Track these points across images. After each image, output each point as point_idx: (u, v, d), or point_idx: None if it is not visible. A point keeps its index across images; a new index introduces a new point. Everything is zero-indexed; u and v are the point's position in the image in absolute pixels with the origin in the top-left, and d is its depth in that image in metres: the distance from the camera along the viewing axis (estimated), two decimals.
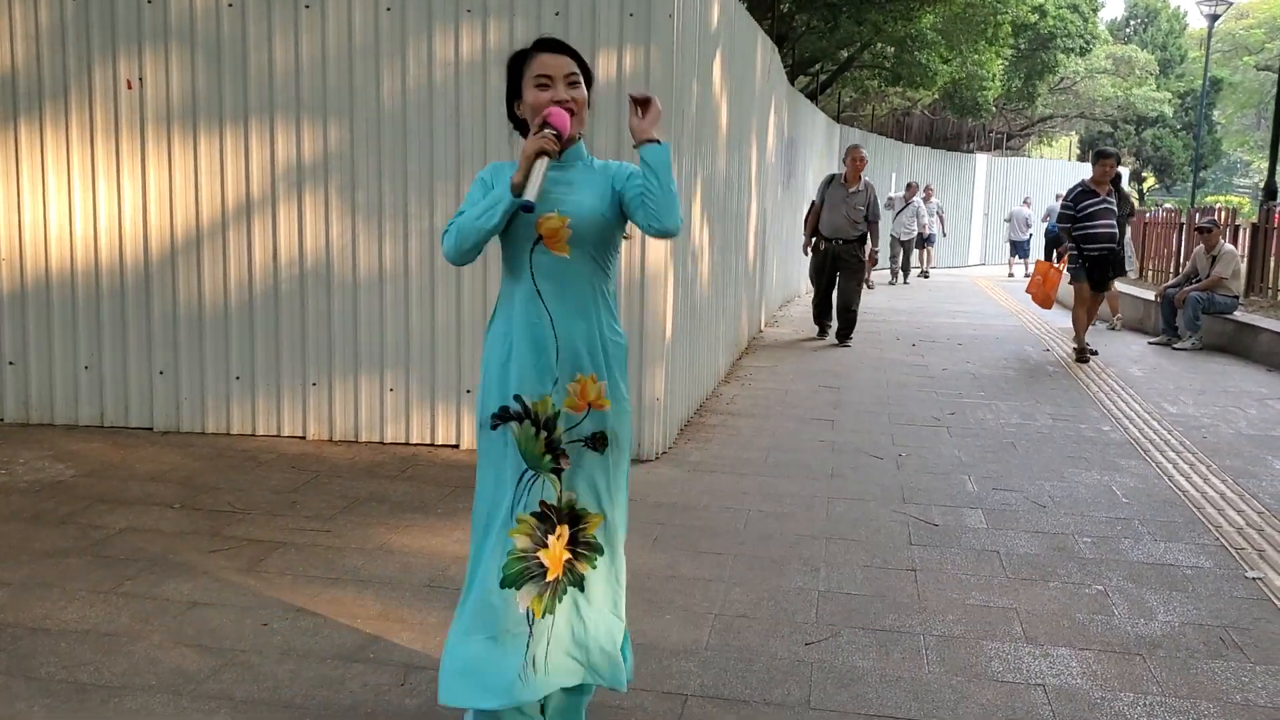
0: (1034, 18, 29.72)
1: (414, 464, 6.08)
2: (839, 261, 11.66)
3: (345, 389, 6.45)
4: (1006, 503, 5.78)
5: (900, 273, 21.30)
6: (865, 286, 13.77)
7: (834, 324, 11.99)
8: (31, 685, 3.40)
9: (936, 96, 30.44)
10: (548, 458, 2.94)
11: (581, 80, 2.91)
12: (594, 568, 3.01)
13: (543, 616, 2.93)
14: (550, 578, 2.95)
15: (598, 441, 2.97)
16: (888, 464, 6.51)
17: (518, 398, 2.92)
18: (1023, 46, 32.52)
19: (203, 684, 3.44)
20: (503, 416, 2.93)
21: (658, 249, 6.20)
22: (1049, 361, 10.96)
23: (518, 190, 2.75)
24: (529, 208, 2.74)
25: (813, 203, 12.02)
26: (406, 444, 6.45)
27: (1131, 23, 55.07)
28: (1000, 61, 27.54)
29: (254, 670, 3.55)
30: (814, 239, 11.87)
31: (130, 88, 6.36)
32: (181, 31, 6.30)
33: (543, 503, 2.94)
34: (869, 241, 11.72)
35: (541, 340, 2.90)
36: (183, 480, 5.63)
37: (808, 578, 4.57)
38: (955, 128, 37.66)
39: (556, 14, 6.11)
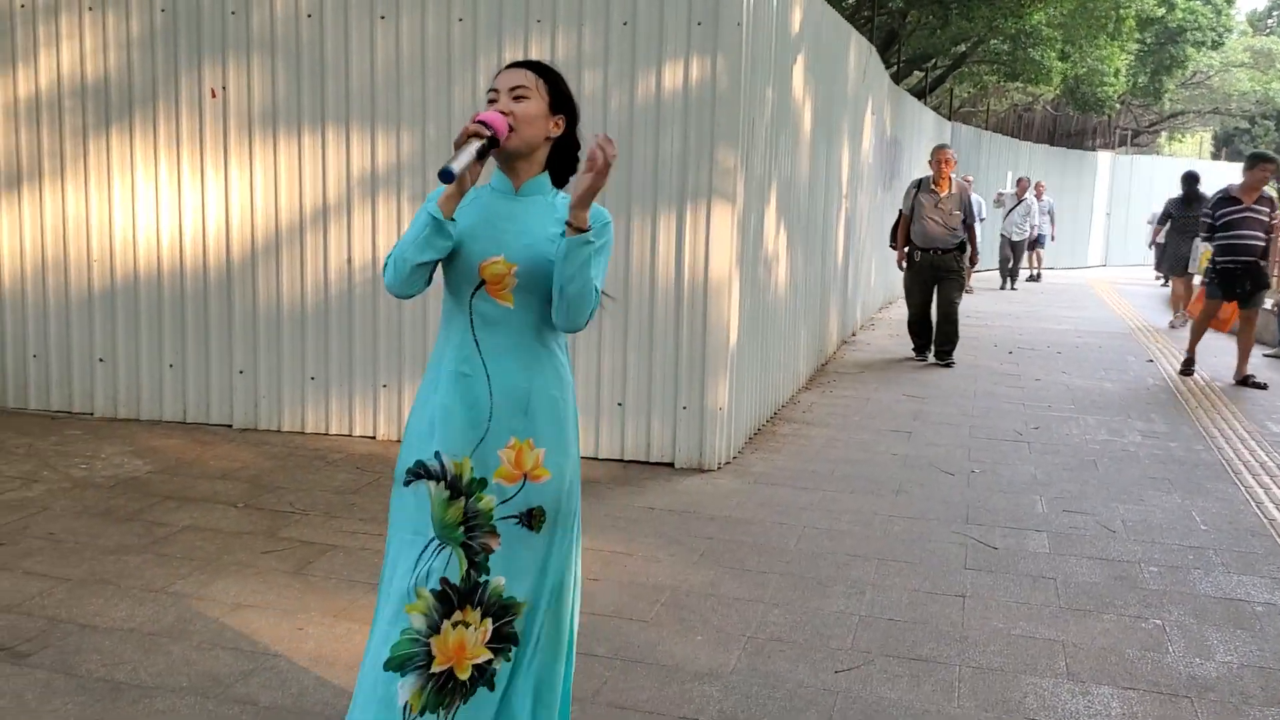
0: (1161, 11, 28.65)
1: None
2: (938, 273, 10.60)
3: (414, 391, 6.56)
4: (1075, 526, 5.59)
5: (1009, 276, 20.39)
6: (965, 292, 13.21)
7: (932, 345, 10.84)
8: (70, 682, 3.54)
9: (1057, 92, 29.58)
10: (460, 530, 2.64)
11: (533, 95, 2.64)
12: (507, 660, 2.71)
13: (420, 715, 2.60)
14: (436, 668, 2.62)
15: (533, 519, 2.67)
16: (958, 481, 6.36)
17: (438, 455, 2.65)
18: (1149, 41, 31.37)
19: (230, 687, 3.54)
20: (417, 473, 2.66)
21: (721, 255, 6.16)
22: (1151, 374, 10.56)
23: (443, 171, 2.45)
24: (447, 176, 2.41)
25: (900, 212, 10.99)
26: None
27: (1275, 14, 52.71)
28: (1124, 56, 26.62)
29: (281, 676, 3.64)
30: (907, 251, 10.82)
31: (214, 96, 6.56)
32: (263, 41, 6.48)
33: (444, 580, 2.61)
34: (969, 247, 10.73)
35: (472, 396, 2.63)
36: (250, 479, 5.80)
37: (851, 601, 4.49)
38: (1079, 124, 36.56)
39: (624, 24, 6.11)
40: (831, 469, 6.49)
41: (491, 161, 2.68)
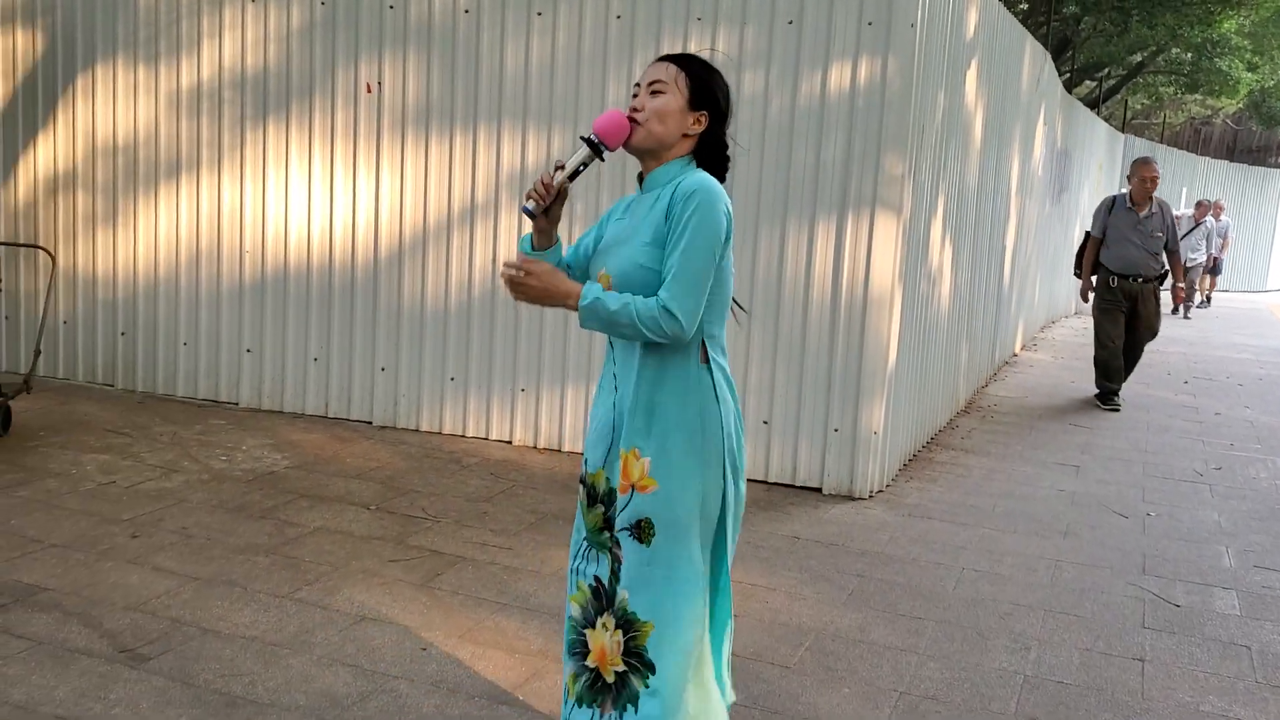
0: None
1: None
2: (1138, 306, 9.21)
3: (552, 397, 6.37)
4: (1269, 586, 5.03)
5: (1184, 303, 19.27)
6: None
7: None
8: (187, 692, 3.41)
9: (1240, 105, 27.92)
10: (605, 535, 2.71)
11: (670, 90, 2.53)
12: (646, 687, 2.62)
13: (577, 703, 2.76)
14: (590, 663, 2.76)
15: (642, 531, 2.57)
16: (1132, 524, 5.83)
17: (586, 461, 2.75)
18: None
19: (348, 710, 3.36)
20: (580, 475, 2.81)
21: (884, 268, 5.78)
22: None
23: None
24: (528, 214, 2.57)
25: (1088, 234, 9.64)
26: None
27: None
28: None
29: (400, 700, 3.44)
30: (1095, 278, 9.41)
31: (370, 91, 6.49)
32: (419, 35, 6.38)
33: (597, 578, 2.74)
34: (1170, 276, 9.49)
35: (606, 408, 2.68)
36: (385, 480, 5.68)
37: (1015, 657, 4.08)
38: (1261, 139, 34.48)
39: (790, 22, 5.78)
40: (992, 504, 6.04)
41: None
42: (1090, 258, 9.48)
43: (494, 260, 6.38)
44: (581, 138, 2.53)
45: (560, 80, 6.15)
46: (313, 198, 6.69)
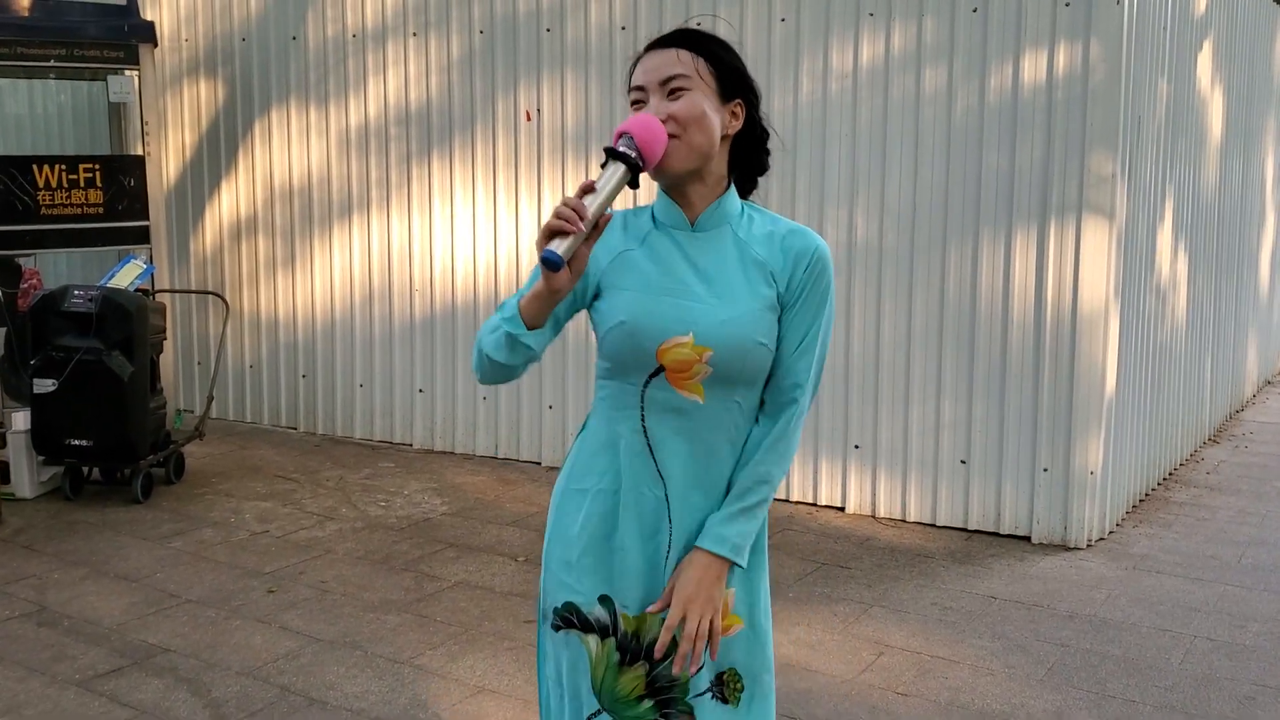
0: None
1: (788, 526, 5.37)
2: None
3: None
4: None
5: None
6: None
7: None
8: None
9: None
10: (647, 705, 1.91)
11: (695, 84, 1.83)
12: None
13: None
14: None
15: (725, 687, 1.91)
16: None
17: (605, 600, 1.90)
18: None
19: None
20: (569, 620, 1.91)
21: (1095, 282, 5.02)
22: None
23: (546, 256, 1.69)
24: (551, 263, 1.69)
25: None
26: (785, 500, 5.74)
27: None
28: None
29: None
30: None
31: (529, 119, 6.23)
32: (577, 56, 6.07)
33: None
34: None
35: (652, 521, 1.88)
36: (540, 528, 5.30)
37: None
38: None
39: (974, 10, 5.13)
40: (1239, 554, 5.13)
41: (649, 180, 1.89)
42: None
43: None
44: (609, 151, 1.75)
45: None
46: (477, 231, 6.48)
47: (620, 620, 1.89)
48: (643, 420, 1.87)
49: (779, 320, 1.87)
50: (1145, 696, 3.69)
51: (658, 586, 1.89)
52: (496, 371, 1.85)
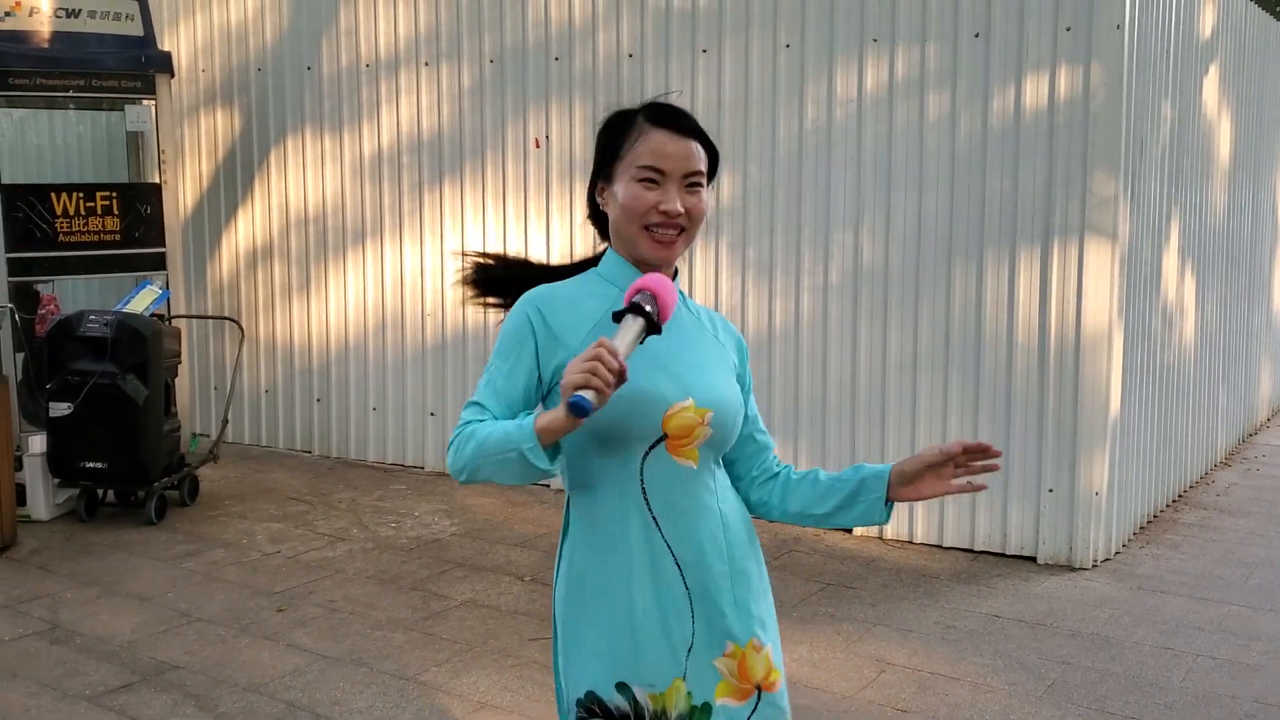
0: None
1: (794, 547, 5.39)
2: None
3: None
4: None
5: None
6: None
7: None
8: None
9: None
10: None
11: (704, 185, 1.90)
12: None
13: None
14: None
15: None
16: None
17: (623, 687, 1.84)
18: None
19: None
20: (592, 710, 1.86)
21: (1098, 304, 5.05)
22: None
23: (574, 401, 1.62)
24: (579, 410, 1.62)
25: None
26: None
27: None
28: None
29: None
30: None
31: (538, 146, 6.32)
32: (584, 84, 6.16)
33: None
34: None
35: (665, 597, 1.86)
36: (548, 549, 5.38)
37: None
38: None
39: (976, 35, 5.20)
40: (1245, 575, 5.12)
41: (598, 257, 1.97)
42: None
43: None
44: (629, 310, 1.72)
45: (729, 118, 5.77)
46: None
47: (647, 701, 1.85)
48: (644, 494, 1.85)
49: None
50: (1144, 713, 3.70)
51: (681, 657, 1.86)
52: (491, 480, 1.79)
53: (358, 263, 7.01)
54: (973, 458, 1.89)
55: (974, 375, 5.34)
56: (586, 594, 1.88)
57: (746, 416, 1.99)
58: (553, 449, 1.73)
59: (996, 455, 1.87)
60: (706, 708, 1.87)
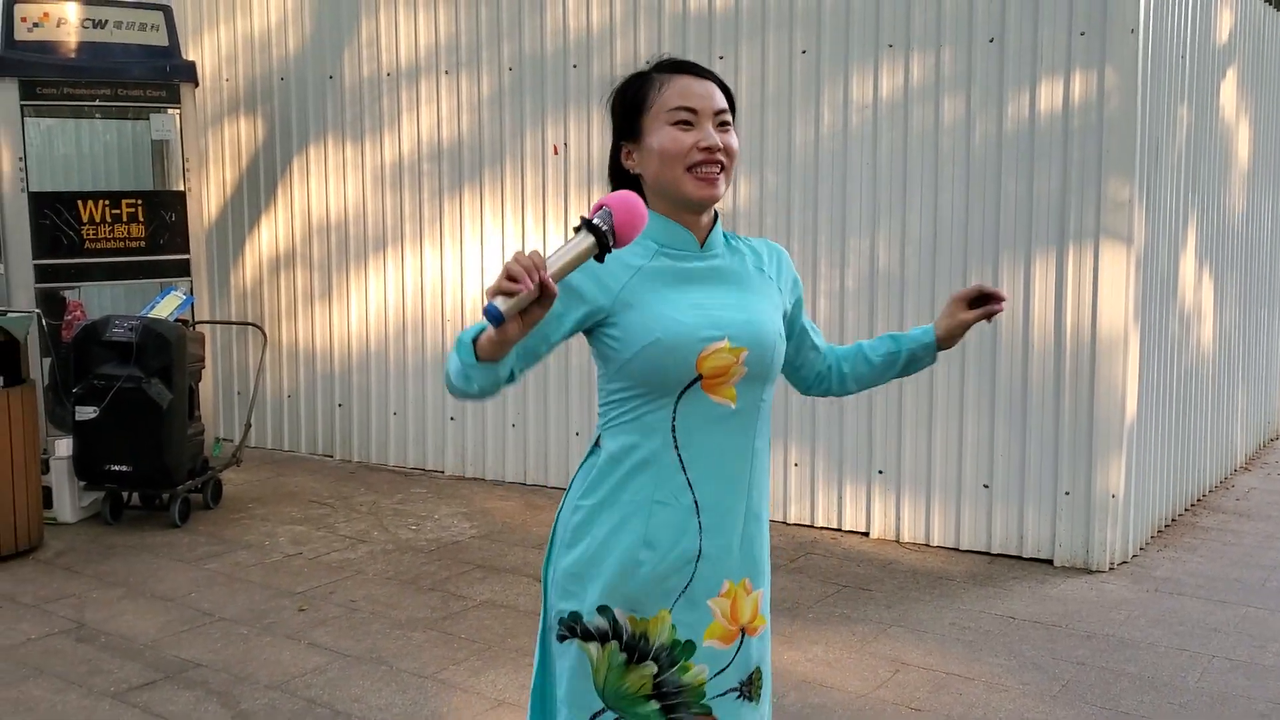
0: None
1: (811, 550, 5.42)
2: None
3: None
4: None
5: None
6: None
7: None
8: None
9: None
10: (653, 707, 1.93)
11: (732, 122, 1.96)
12: None
13: None
14: None
15: (753, 686, 2.00)
16: None
17: (604, 609, 1.91)
18: None
19: None
20: (572, 629, 1.93)
21: (1114, 307, 5.06)
22: None
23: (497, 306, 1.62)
24: (492, 318, 1.62)
25: None
26: (810, 526, 5.80)
27: None
28: None
29: None
30: None
31: (556, 153, 6.39)
32: (602, 91, 6.18)
33: None
34: None
35: (673, 531, 1.92)
36: None
37: None
38: None
39: (990, 40, 5.22)
40: (1263, 578, 5.12)
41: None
42: None
43: None
44: (585, 221, 1.69)
45: (745, 124, 5.80)
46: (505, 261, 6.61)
47: (626, 622, 1.91)
48: (674, 434, 1.90)
49: (784, 317, 2.05)
50: (1158, 713, 3.71)
51: (679, 590, 1.92)
52: (459, 392, 1.80)
53: (378, 269, 7.08)
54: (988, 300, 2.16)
55: (990, 379, 5.35)
56: (596, 523, 1.92)
57: (804, 329, 2.17)
58: (504, 361, 1.73)
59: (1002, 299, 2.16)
60: (690, 645, 1.93)
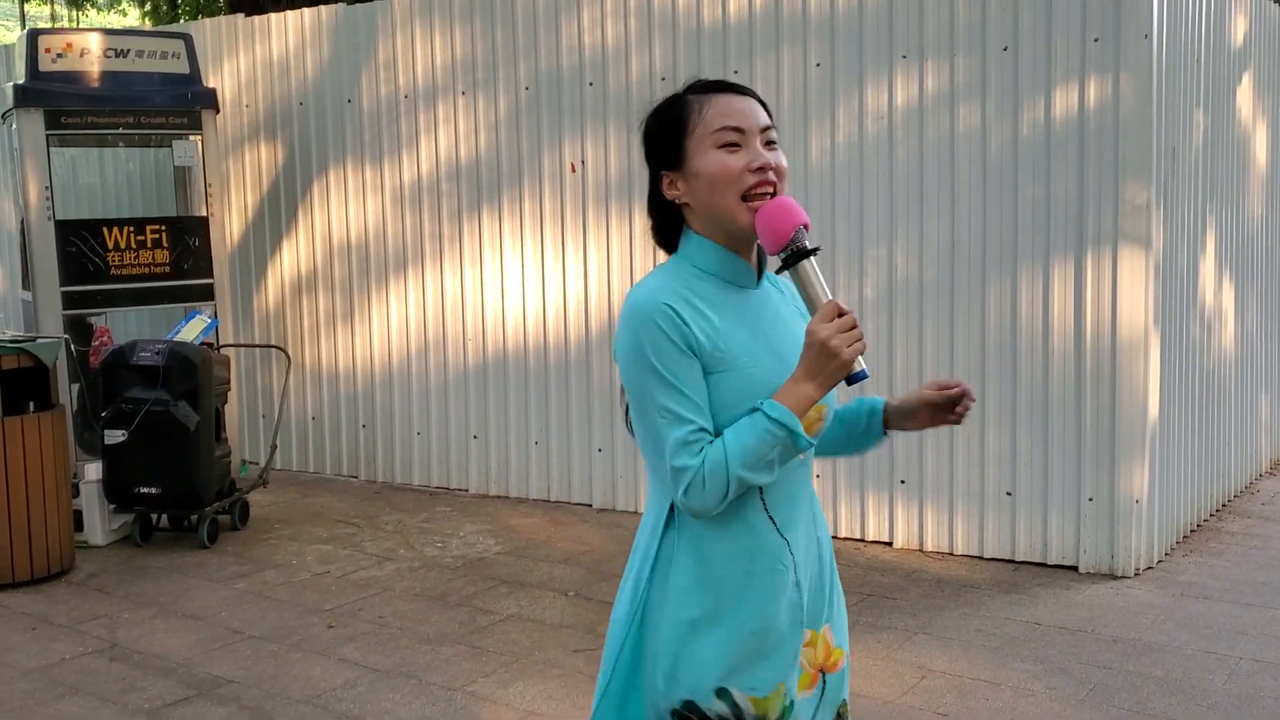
0: None
1: (834, 560, 5.42)
2: None
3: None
4: None
5: None
6: None
7: None
8: None
9: None
10: None
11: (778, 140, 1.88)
12: None
13: None
14: None
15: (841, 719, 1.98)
16: None
17: (723, 693, 1.78)
18: None
19: None
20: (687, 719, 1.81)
21: (1133, 311, 5.07)
22: None
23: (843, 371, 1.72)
24: (862, 378, 1.75)
25: None
26: (834, 537, 5.80)
27: None
28: None
29: None
30: None
31: (574, 171, 6.44)
32: (619, 107, 6.28)
33: None
34: None
35: (786, 599, 1.84)
36: (591, 565, 5.46)
37: None
38: None
39: (1004, 49, 5.26)
40: None
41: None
42: None
43: None
44: (797, 252, 1.77)
45: None
46: (526, 281, 6.68)
47: (749, 705, 1.80)
48: (761, 492, 1.83)
49: None
50: (1185, 715, 3.70)
51: (792, 659, 1.86)
52: (746, 486, 1.77)
53: (399, 289, 7.15)
54: (958, 403, 1.98)
55: (1011, 386, 5.36)
56: (699, 600, 1.81)
57: None
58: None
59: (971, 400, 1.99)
60: (791, 705, 1.85)
